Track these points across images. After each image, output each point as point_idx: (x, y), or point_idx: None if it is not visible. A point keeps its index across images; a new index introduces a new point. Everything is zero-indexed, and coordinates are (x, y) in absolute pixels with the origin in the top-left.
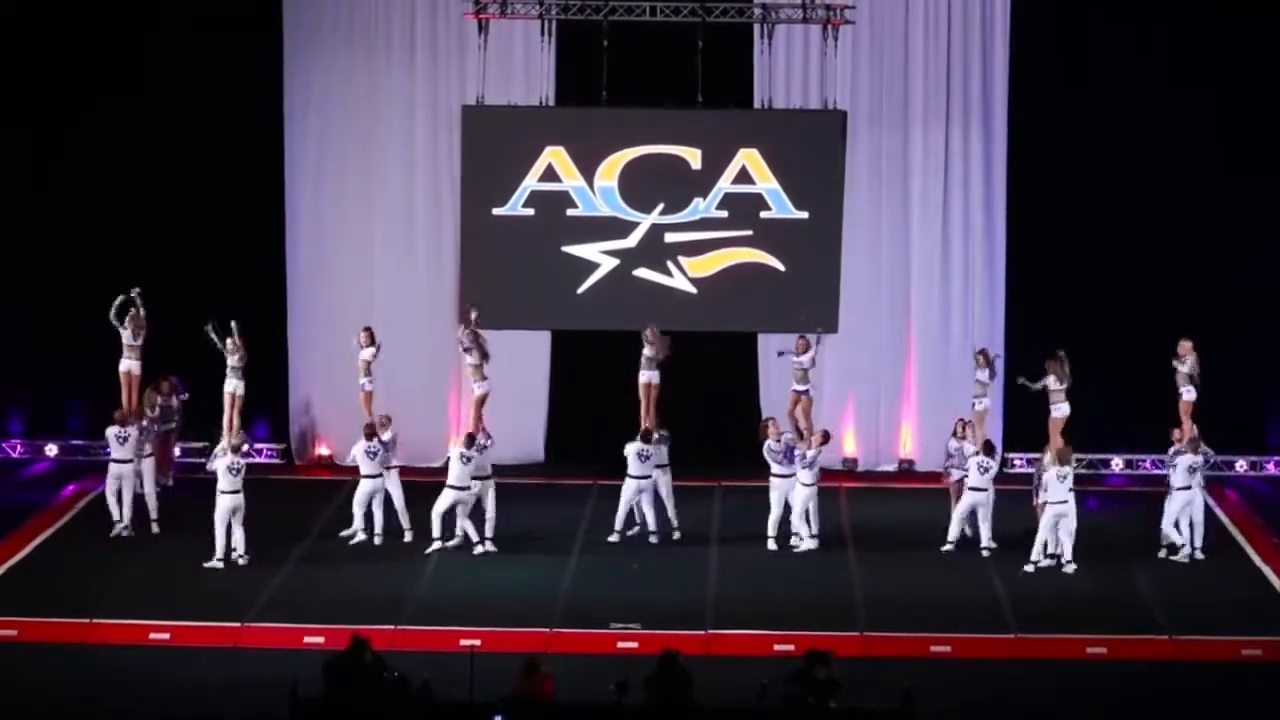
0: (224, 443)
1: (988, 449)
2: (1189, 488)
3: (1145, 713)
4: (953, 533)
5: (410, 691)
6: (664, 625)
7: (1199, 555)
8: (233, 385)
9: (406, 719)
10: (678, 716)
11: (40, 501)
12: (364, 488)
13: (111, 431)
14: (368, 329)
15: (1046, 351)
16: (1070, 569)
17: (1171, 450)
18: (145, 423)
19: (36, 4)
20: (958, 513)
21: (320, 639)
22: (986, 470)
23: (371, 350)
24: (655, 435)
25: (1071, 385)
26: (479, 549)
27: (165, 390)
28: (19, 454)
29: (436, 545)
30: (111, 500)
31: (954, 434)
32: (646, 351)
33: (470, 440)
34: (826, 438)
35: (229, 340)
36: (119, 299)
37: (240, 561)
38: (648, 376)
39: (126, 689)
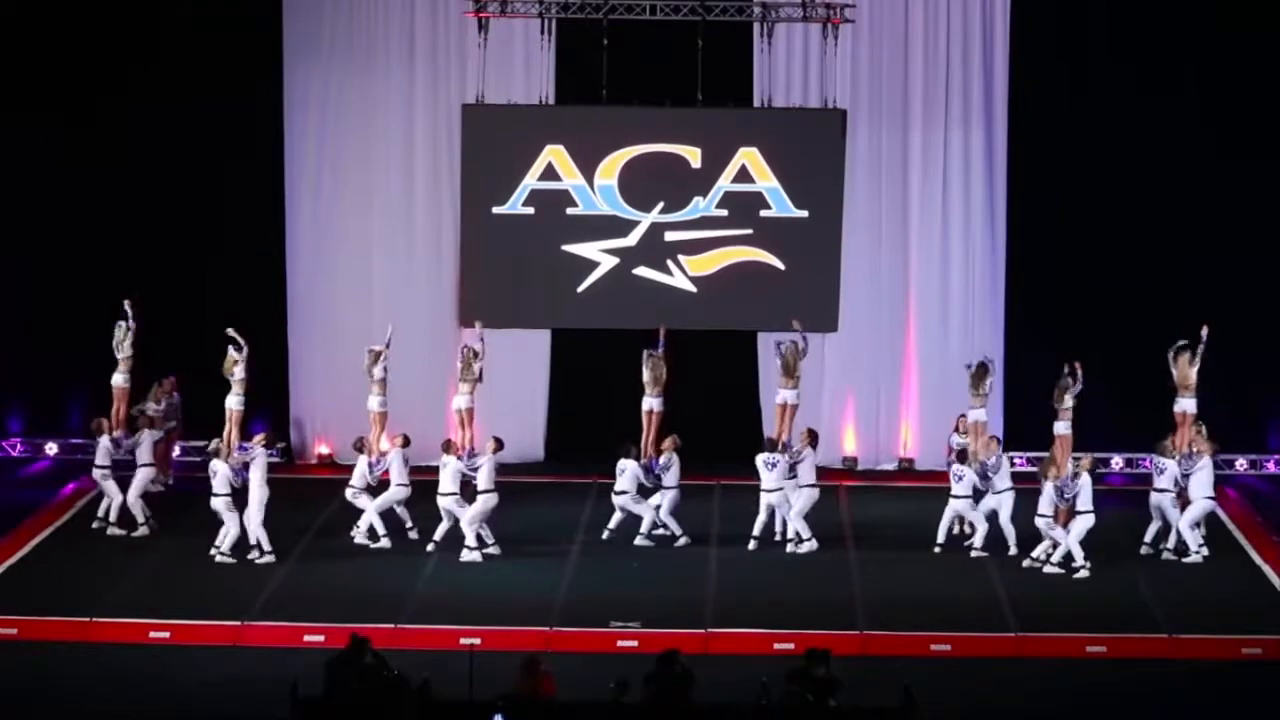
0: (212, 446)
1: (961, 457)
2: (1160, 490)
3: (1145, 712)
4: (940, 533)
5: (410, 690)
6: (663, 624)
7: (1167, 554)
8: (232, 401)
9: (406, 718)
10: (678, 715)
11: (40, 500)
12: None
13: None
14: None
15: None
16: (1048, 570)
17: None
18: (126, 434)
19: (39, 5)
20: (944, 517)
21: (320, 637)
22: (961, 478)
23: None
24: (632, 451)
25: (1073, 404)
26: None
27: (167, 387)
28: (19, 453)
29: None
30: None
31: (956, 430)
32: (645, 376)
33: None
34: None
35: (235, 353)
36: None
37: (221, 559)
38: (649, 404)
39: (126, 689)
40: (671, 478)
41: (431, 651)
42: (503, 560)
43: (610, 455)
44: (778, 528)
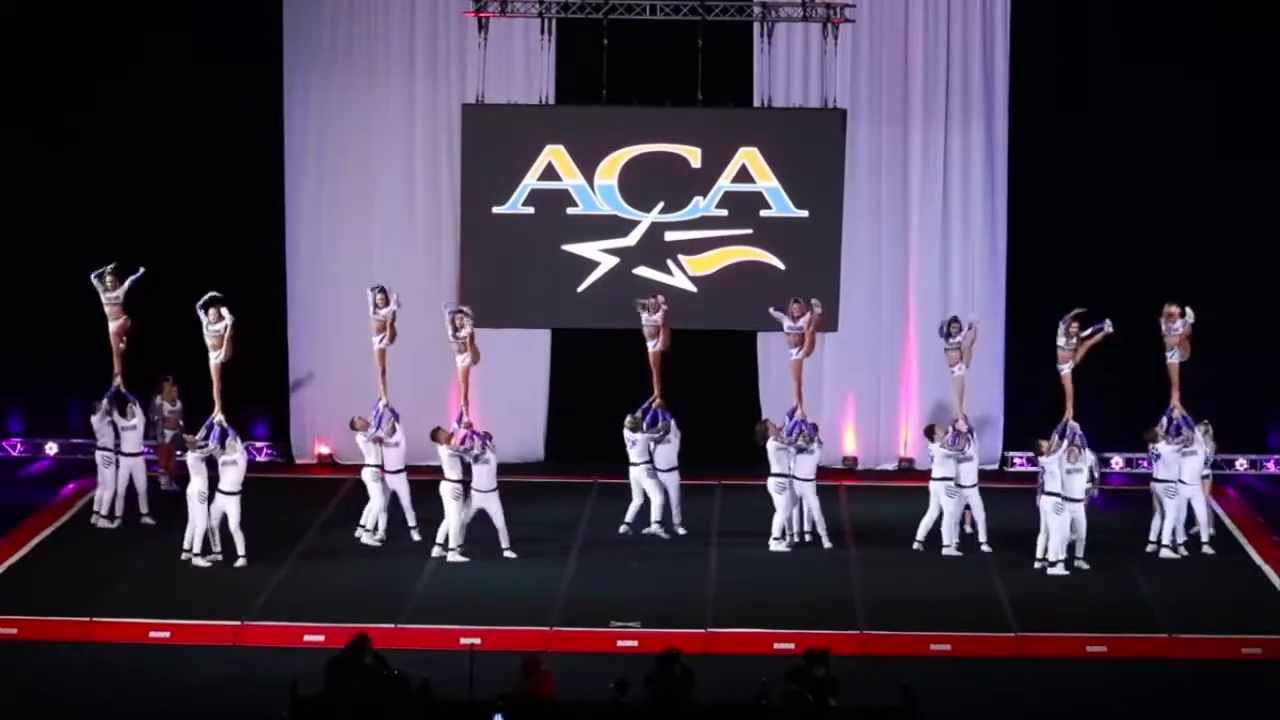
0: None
1: (929, 434)
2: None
3: (1145, 712)
4: (946, 534)
5: (410, 690)
6: (663, 624)
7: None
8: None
9: (407, 717)
10: (678, 715)
11: (40, 500)
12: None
13: None
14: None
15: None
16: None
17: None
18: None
19: (39, 5)
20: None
21: (320, 637)
22: (935, 458)
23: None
24: (631, 421)
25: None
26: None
27: (171, 394)
28: (19, 453)
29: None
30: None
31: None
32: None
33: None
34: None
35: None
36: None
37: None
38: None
39: (126, 689)
40: (640, 452)
41: (431, 651)
42: (503, 560)
43: (610, 455)
44: (804, 525)
